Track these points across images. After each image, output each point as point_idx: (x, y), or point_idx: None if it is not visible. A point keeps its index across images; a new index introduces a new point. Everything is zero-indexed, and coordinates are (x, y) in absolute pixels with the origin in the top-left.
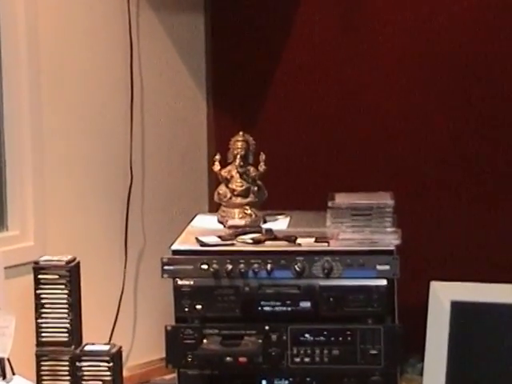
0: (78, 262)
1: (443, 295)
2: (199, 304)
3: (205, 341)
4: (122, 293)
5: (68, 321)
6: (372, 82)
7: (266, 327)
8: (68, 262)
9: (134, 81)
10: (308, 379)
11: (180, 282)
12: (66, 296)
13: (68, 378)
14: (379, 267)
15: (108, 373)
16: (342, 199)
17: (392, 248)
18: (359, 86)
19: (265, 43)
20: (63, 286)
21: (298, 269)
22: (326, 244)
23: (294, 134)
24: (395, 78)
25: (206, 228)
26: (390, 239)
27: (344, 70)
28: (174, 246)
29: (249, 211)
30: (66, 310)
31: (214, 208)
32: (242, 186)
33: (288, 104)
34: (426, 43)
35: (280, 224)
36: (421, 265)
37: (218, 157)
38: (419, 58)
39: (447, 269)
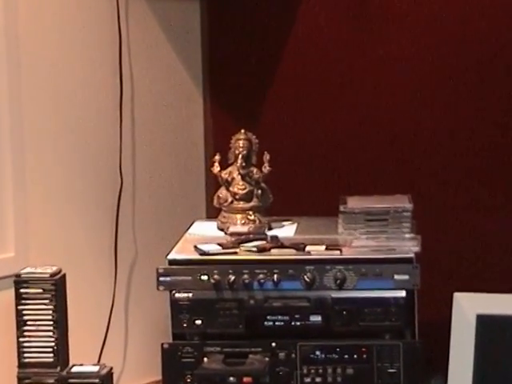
0: (64, 275)
1: (468, 308)
2: (199, 319)
3: (205, 359)
4: (112, 308)
5: (53, 339)
6: (386, 78)
7: (273, 344)
8: (53, 275)
9: (124, 76)
10: None
11: (177, 295)
12: (50, 312)
13: None
14: (397, 277)
15: None
16: (354, 203)
17: (411, 256)
18: (373, 80)
19: (267, 32)
20: (48, 301)
21: (307, 279)
22: (338, 252)
23: (300, 132)
24: (408, 75)
25: (205, 235)
26: (408, 246)
27: (356, 62)
28: (171, 256)
29: (252, 217)
30: (50, 328)
31: (212, 214)
32: (244, 189)
33: (294, 99)
34: (439, 39)
35: (287, 231)
36: (443, 274)
37: (217, 157)
38: (432, 55)
39: (472, 279)
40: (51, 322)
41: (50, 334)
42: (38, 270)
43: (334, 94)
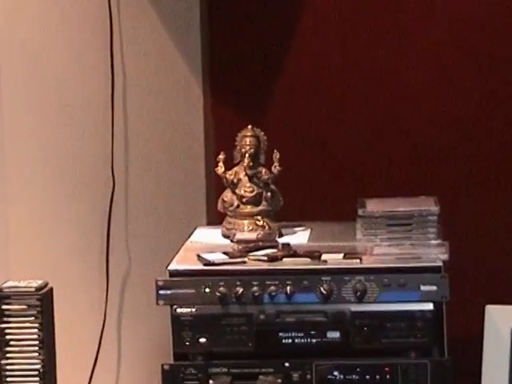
0: (51, 289)
1: (501, 321)
2: (203, 336)
3: (211, 382)
4: (104, 325)
5: (39, 361)
6: (407, 72)
7: (286, 364)
8: (38, 289)
9: (115, 67)
10: None
11: (179, 310)
12: (36, 331)
13: None
14: (424, 288)
15: None
16: (374, 206)
17: (439, 264)
18: (392, 70)
19: (275, 18)
20: (33, 319)
21: (324, 291)
22: (358, 261)
23: (313, 128)
24: (431, 70)
25: (208, 244)
26: (435, 253)
27: (373, 51)
28: (172, 266)
29: (261, 222)
30: (36, 349)
31: (214, 219)
32: (252, 192)
33: (305, 91)
34: (465, 32)
35: (299, 237)
36: (474, 285)
37: (221, 156)
38: (457, 50)
39: (506, 290)
40: (37, 342)
41: (36, 355)
42: (22, 284)
43: (351, 86)
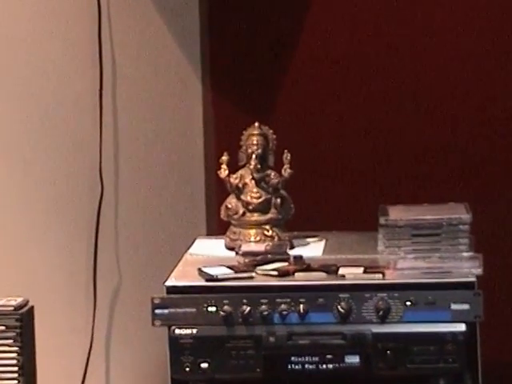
0: (32, 308)
1: None
2: (205, 361)
3: None
4: (90, 350)
5: None
6: (429, 65)
7: None
8: (18, 308)
9: (104, 57)
10: None
11: (178, 332)
12: (15, 355)
13: None
14: (455, 307)
15: None
16: (398, 214)
17: (472, 280)
18: (413, 64)
19: (282, 3)
20: (11, 342)
21: (341, 310)
22: (380, 275)
23: (326, 125)
24: (455, 67)
25: (210, 256)
26: (468, 267)
27: (392, 42)
28: (170, 282)
29: (270, 232)
30: (15, 376)
31: (215, 229)
32: (259, 198)
33: (316, 84)
34: (491, 36)
35: (313, 249)
36: (511, 303)
37: (225, 157)
38: (478, 53)
39: None
40: (16, 368)
41: (15, 382)
42: (0, 302)
43: (367, 79)
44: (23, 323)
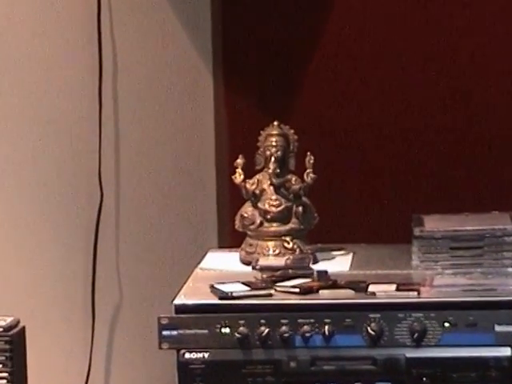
0: (23, 329)
1: None
2: None
3: None
4: (88, 375)
5: None
6: (467, 59)
7: None
8: (8, 329)
9: (104, 50)
10: None
11: (188, 356)
12: (4, 382)
13: None
14: (499, 329)
15: None
16: (435, 224)
17: None
18: (448, 62)
19: None
20: (0, 366)
21: (372, 332)
22: (415, 293)
23: (352, 126)
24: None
25: (224, 271)
26: None
27: (421, 39)
28: (178, 300)
29: (290, 244)
30: None
31: (228, 241)
32: (279, 206)
33: (340, 80)
34: None
35: (339, 264)
36: None
37: (240, 161)
38: None
39: None
40: None
41: None
42: None
43: (395, 75)
44: (13, 346)
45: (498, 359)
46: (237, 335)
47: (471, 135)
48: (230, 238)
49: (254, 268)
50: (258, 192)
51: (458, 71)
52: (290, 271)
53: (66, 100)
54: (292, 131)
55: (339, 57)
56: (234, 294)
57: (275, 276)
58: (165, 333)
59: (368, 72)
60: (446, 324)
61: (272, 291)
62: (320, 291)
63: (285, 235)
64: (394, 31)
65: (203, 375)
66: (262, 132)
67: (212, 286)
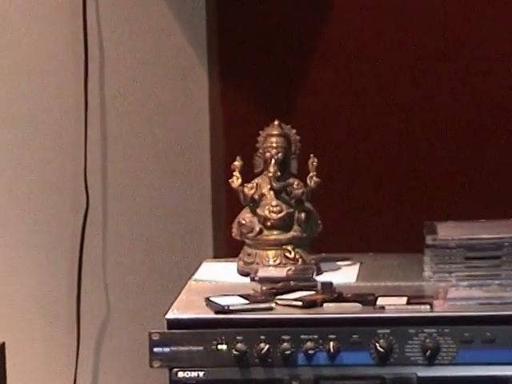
0: (3, 345)
1: None
2: None
3: None
4: None
5: None
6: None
7: None
8: None
9: (90, 44)
10: None
11: (182, 375)
12: None
13: None
14: None
15: None
16: (449, 232)
17: None
18: (457, 65)
19: None
20: None
21: (380, 349)
22: (427, 307)
23: (358, 126)
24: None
25: (220, 283)
26: None
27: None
28: (171, 314)
29: (292, 254)
30: None
31: (224, 250)
32: (279, 212)
33: (343, 76)
34: None
35: (345, 275)
36: None
37: (237, 163)
38: None
39: None
40: None
41: None
42: None
43: (403, 71)
44: None
45: None
46: (234, 352)
47: (488, 137)
48: (227, 247)
49: (252, 279)
50: (256, 197)
51: (468, 72)
52: (292, 283)
53: (50, 98)
54: (294, 131)
55: (345, 50)
56: (232, 308)
57: (276, 288)
58: (156, 350)
59: (378, 64)
60: (462, 340)
61: (272, 305)
62: (324, 305)
63: (286, 244)
64: (397, 29)
65: None
66: (261, 132)
67: (207, 299)
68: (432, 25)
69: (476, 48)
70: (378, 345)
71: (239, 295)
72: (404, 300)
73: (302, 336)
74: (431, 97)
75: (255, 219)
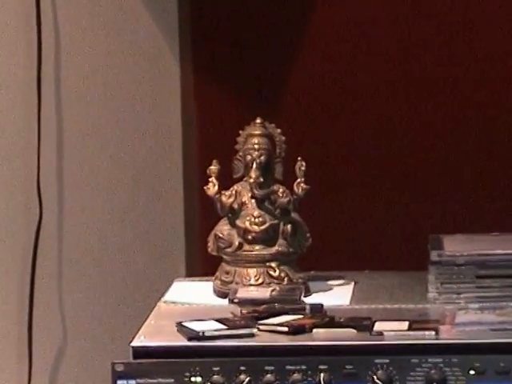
0: None
1: None
2: None
3: None
4: None
5: None
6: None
7: None
8: None
9: (43, 26)
10: None
11: None
12: None
13: None
14: None
15: None
16: (456, 246)
17: None
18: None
19: None
20: None
21: (379, 382)
22: (432, 333)
23: (351, 125)
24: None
25: (194, 305)
26: None
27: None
28: (137, 342)
29: (277, 272)
30: None
31: (198, 268)
32: (262, 224)
33: (332, 70)
34: None
35: (338, 296)
36: None
37: (214, 167)
38: None
39: None
40: None
41: None
42: None
43: (400, 68)
44: None
45: None
46: None
47: (497, 140)
48: (201, 264)
49: (231, 301)
50: (236, 206)
51: (469, 73)
52: (277, 305)
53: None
54: (278, 131)
55: (330, 39)
56: (207, 334)
57: (258, 311)
58: (120, 382)
59: (368, 57)
60: (472, 372)
61: (254, 330)
62: (314, 330)
63: (270, 260)
64: (384, 26)
65: None
66: (241, 132)
67: (179, 324)
68: (420, 21)
69: (476, 48)
70: (375, 377)
71: (216, 319)
72: (405, 325)
73: (288, 367)
74: (431, 97)
75: (234, 232)
